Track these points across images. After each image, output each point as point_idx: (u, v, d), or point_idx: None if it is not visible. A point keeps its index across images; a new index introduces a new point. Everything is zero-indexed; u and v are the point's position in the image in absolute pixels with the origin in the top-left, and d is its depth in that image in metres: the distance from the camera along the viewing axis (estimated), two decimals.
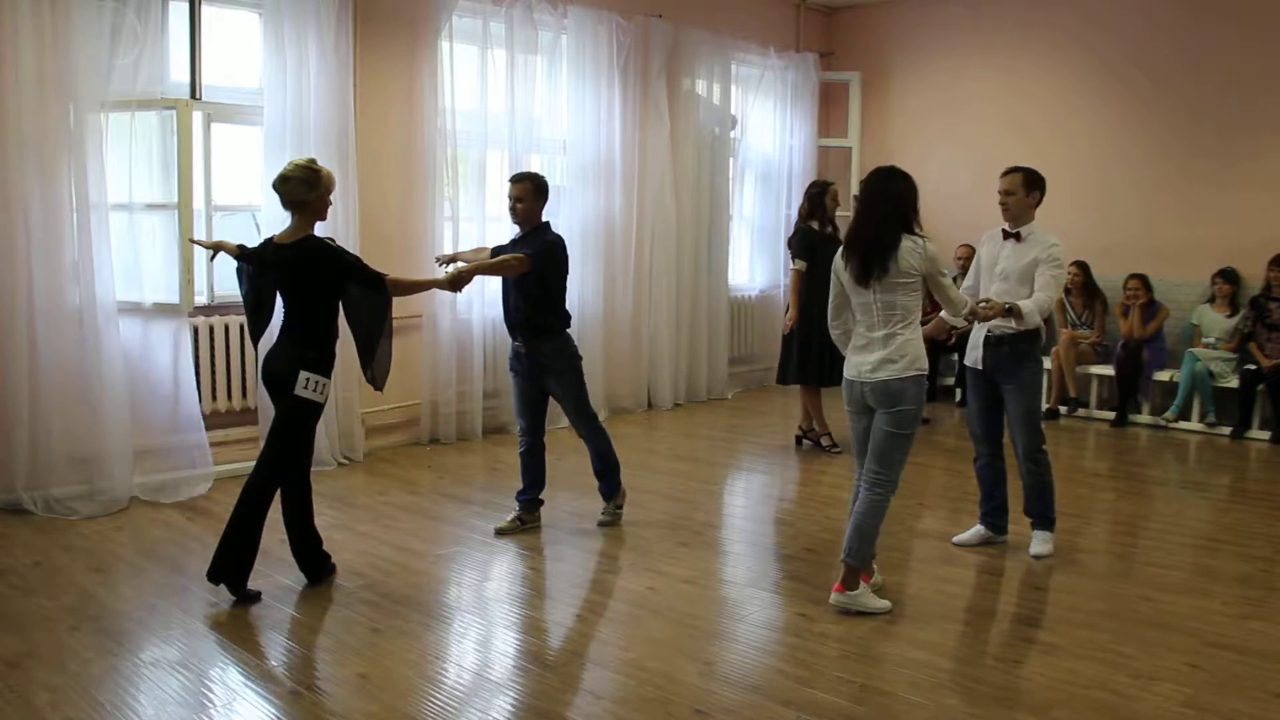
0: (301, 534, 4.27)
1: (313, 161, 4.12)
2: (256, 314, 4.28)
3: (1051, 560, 4.67)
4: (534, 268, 4.65)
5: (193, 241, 4.92)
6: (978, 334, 4.67)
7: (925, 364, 3.95)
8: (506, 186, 4.85)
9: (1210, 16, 7.85)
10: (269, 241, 4.15)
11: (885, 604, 4.03)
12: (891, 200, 3.91)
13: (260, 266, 4.17)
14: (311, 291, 4.06)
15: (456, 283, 4.42)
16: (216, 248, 4.50)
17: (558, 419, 7.32)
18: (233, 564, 4.03)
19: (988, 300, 4.36)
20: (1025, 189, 4.57)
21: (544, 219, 4.86)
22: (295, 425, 4.11)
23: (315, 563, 4.31)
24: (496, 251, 4.92)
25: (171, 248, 5.56)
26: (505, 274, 4.74)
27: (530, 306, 4.78)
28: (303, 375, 4.02)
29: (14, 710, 3.15)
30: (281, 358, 4.10)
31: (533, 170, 5.14)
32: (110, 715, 3.14)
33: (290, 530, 4.26)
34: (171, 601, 4.06)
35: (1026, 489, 4.74)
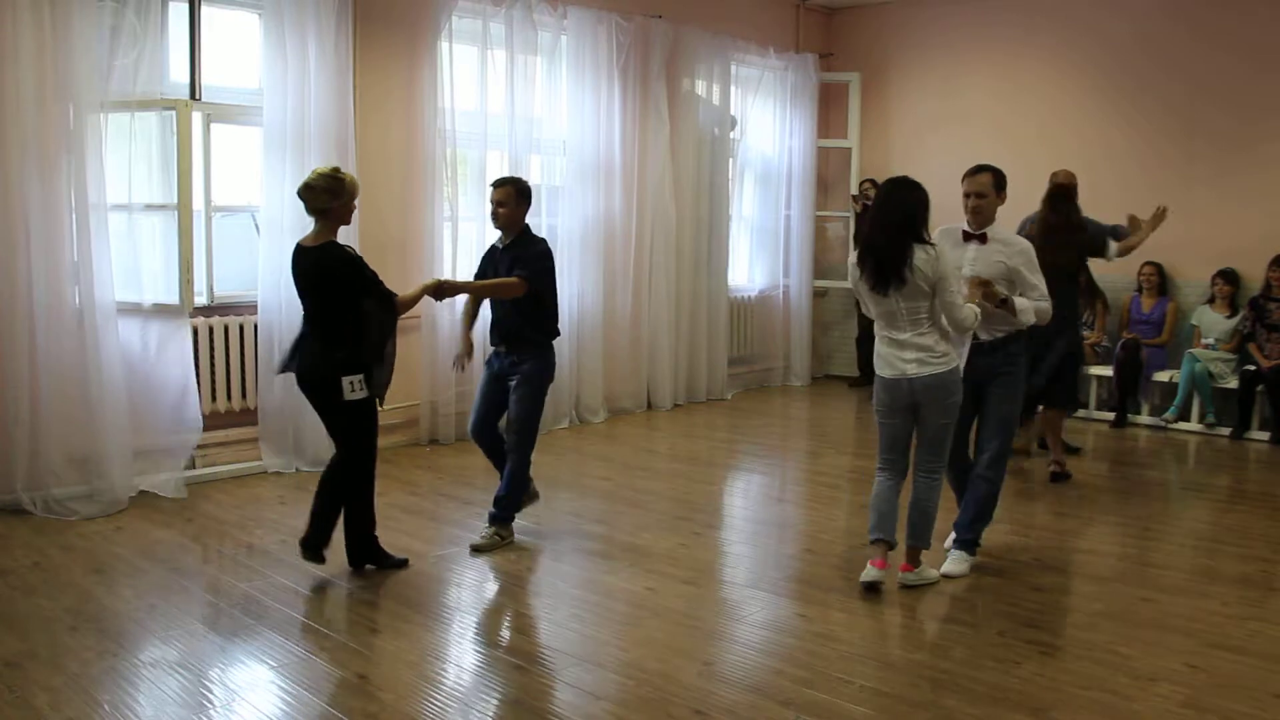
0: (334, 513, 4.33)
1: (337, 170, 4.19)
2: None
3: (1051, 560, 4.67)
4: (531, 289, 4.61)
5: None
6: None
7: (956, 358, 4.14)
8: (488, 190, 4.78)
9: (1213, 8, 7.86)
10: (298, 245, 4.22)
11: (936, 574, 4.34)
12: (903, 210, 3.97)
13: (294, 261, 4.23)
14: (333, 294, 4.12)
15: (439, 291, 4.48)
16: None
17: (552, 422, 7.32)
18: (364, 547, 4.36)
19: (985, 285, 4.21)
20: (996, 190, 4.36)
21: (526, 223, 4.78)
22: (361, 423, 4.23)
23: (321, 543, 4.32)
24: (481, 274, 4.86)
25: (171, 248, 5.55)
26: (502, 296, 4.66)
27: (523, 320, 4.71)
28: (345, 381, 4.10)
29: (14, 710, 3.15)
30: (312, 359, 4.18)
31: (517, 175, 5.11)
32: (110, 716, 3.14)
33: (322, 505, 4.29)
34: (171, 602, 4.05)
35: (972, 500, 4.50)
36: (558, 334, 4.86)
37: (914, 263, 3.91)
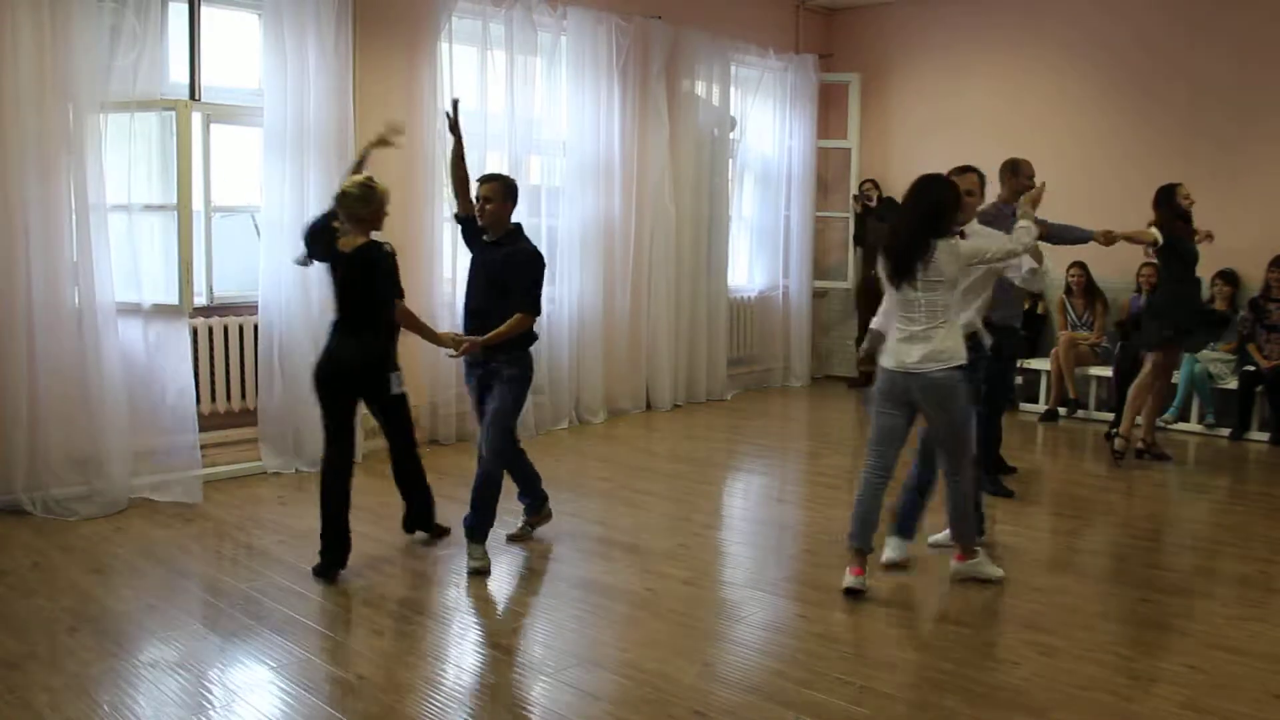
0: (418, 492, 4.82)
1: (369, 179, 4.37)
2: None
3: (1051, 560, 4.67)
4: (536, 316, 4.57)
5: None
6: None
7: (965, 356, 4.07)
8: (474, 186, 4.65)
9: (1212, 10, 7.85)
10: (334, 246, 4.34)
11: (998, 571, 4.36)
12: (923, 207, 4.02)
13: (331, 265, 4.41)
14: (378, 290, 4.31)
15: (458, 345, 4.46)
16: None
17: (550, 422, 7.32)
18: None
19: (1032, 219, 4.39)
20: (980, 189, 4.68)
21: (516, 222, 4.66)
22: (407, 413, 4.70)
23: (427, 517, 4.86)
24: (473, 275, 4.67)
25: (171, 249, 5.55)
26: (512, 334, 4.49)
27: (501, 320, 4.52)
28: (393, 376, 4.43)
29: (13, 711, 3.15)
30: (352, 352, 4.36)
31: (504, 172, 4.93)
32: (109, 716, 3.14)
33: (406, 490, 4.79)
34: (170, 602, 4.05)
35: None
36: (536, 337, 4.73)
37: (933, 257, 3.95)
